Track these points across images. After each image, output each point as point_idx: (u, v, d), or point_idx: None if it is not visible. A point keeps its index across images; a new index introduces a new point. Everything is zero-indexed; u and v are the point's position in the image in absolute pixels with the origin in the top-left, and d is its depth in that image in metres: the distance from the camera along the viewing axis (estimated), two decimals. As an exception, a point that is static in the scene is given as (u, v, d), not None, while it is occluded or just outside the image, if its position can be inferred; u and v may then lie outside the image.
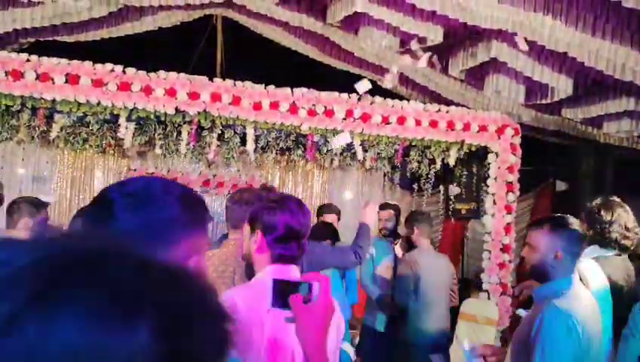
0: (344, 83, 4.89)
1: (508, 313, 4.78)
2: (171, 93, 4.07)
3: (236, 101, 4.21)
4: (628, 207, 2.69)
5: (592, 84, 5.12)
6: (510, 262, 4.95)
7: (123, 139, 4.38)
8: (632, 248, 2.64)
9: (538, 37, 4.23)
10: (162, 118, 4.24)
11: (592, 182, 6.64)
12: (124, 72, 4.04)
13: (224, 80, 4.39)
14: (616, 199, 2.75)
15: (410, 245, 4.34)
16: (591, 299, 2.05)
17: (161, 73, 4.12)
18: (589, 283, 2.44)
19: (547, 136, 7.06)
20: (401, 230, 4.65)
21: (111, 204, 0.89)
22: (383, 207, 4.66)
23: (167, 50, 6.54)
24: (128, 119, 4.21)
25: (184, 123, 4.33)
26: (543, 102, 5.44)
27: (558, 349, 1.81)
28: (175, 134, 4.50)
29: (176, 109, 4.12)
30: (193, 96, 4.11)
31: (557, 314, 1.86)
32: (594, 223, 2.63)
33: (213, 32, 6.73)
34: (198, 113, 4.19)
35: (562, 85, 4.91)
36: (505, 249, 4.90)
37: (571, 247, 2.00)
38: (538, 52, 4.76)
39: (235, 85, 4.29)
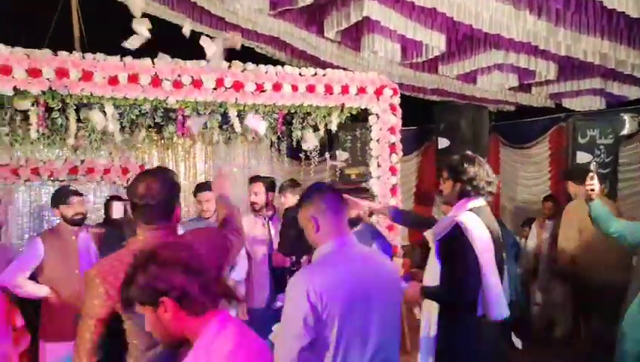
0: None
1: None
2: (6, 71, 3.50)
3: (87, 76, 3.72)
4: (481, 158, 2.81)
5: (464, 40, 5.17)
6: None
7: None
8: (494, 192, 2.76)
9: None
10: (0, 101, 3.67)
11: (472, 136, 6.84)
12: (-60, 48, 3.41)
13: (84, 56, 3.86)
14: (472, 153, 2.83)
15: None
16: (361, 267, 2.04)
17: (-9, 48, 3.53)
18: (474, 236, 2.50)
19: (428, 95, 7.17)
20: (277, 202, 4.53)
21: None
22: (253, 180, 4.47)
23: (16, 25, 5.78)
24: (-43, 105, 3.60)
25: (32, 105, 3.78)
26: (419, 60, 5.44)
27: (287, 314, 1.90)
28: (20, 119, 3.93)
29: (15, 89, 3.56)
30: (34, 72, 3.57)
31: (294, 280, 1.95)
32: (460, 177, 2.69)
33: (67, 2, 6.03)
34: (43, 93, 3.66)
35: (435, 42, 4.91)
36: (392, 210, 4.88)
37: (323, 211, 2.05)
38: (410, 9, 4.69)
39: (84, 58, 3.79)
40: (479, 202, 2.68)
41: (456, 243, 2.53)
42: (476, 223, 2.55)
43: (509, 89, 6.50)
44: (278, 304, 4.22)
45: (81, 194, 3.95)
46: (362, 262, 2.04)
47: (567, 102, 6.65)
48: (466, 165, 2.69)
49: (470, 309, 2.52)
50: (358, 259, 2.04)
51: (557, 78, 5.81)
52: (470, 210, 2.62)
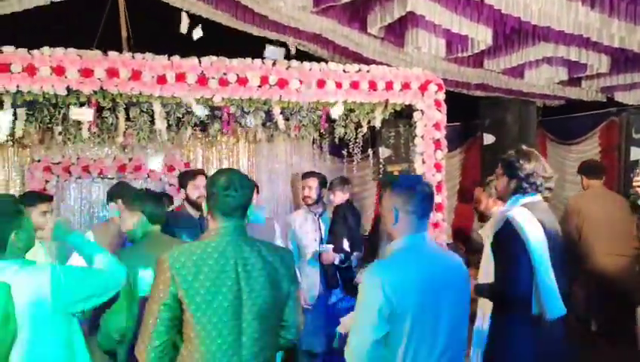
0: (259, 49, 4.56)
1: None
2: (59, 71, 3.61)
3: (136, 76, 3.80)
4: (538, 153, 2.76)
5: (511, 33, 5.04)
6: (444, 220, 4.88)
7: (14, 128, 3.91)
8: (553, 188, 2.70)
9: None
10: (54, 101, 3.79)
11: (518, 132, 6.67)
12: (0, 51, 3.54)
13: (133, 56, 3.95)
14: (528, 148, 2.78)
15: None
16: (436, 266, 2.04)
17: (46, 50, 3.64)
18: (525, 232, 2.43)
19: (472, 90, 7.03)
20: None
21: None
22: (307, 175, 4.49)
23: (66, 27, 5.97)
24: (14, 105, 3.73)
25: (81, 105, 3.89)
26: (464, 54, 5.33)
27: (362, 306, 1.94)
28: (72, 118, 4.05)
29: (68, 89, 3.67)
30: (85, 73, 3.67)
31: (371, 272, 1.97)
32: (515, 173, 2.64)
33: (114, 4, 6.18)
34: (94, 92, 3.76)
35: (482, 35, 4.79)
36: (437, 208, 4.81)
37: (406, 206, 2.04)
38: (455, 3, 4.60)
39: (133, 58, 3.87)
40: (534, 198, 2.62)
41: (506, 239, 2.46)
42: (528, 218, 2.47)
43: (558, 83, 6.30)
44: (333, 299, 4.23)
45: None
46: (434, 260, 2.05)
47: (619, 96, 6.39)
48: (522, 161, 2.63)
49: (523, 307, 2.44)
50: (431, 257, 2.06)
51: (609, 71, 5.59)
52: (524, 205, 2.56)
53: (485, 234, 2.68)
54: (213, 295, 1.87)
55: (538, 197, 2.64)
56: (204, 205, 2.07)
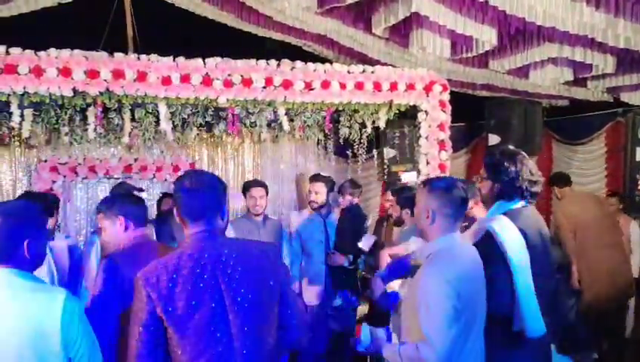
0: (263, 49, 4.59)
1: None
2: (66, 72, 3.65)
3: (142, 77, 3.83)
4: (525, 153, 2.54)
5: (516, 33, 5.03)
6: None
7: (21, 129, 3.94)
8: (539, 193, 2.49)
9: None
10: (60, 102, 3.82)
11: (523, 132, 6.65)
12: (7, 52, 3.58)
13: (139, 57, 3.98)
14: (515, 149, 2.57)
15: None
16: (471, 258, 2.14)
17: (52, 51, 3.68)
18: (505, 244, 2.26)
19: (478, 91, 7.02)
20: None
21: None
22: (314, 178, 4.48)
23: (72, 28, 6.01)
24: (21, 106, 3.77)
25: (87, 105, 3.93)
26: (469, 55, 5.33)
27: (435, 306, 1.96)
28: (78, 119, 4.09)
29: (74, 90, 3.70)
30: (92, 74, 3.70)
31: (431, 273, 2.02)
32: (499, 177, 2.45)
33: (120, 5, 6.21)
34: (100, 93, 3.79)
35: (486, 36, 4.79)
36: (441, 209, 4.81)
37: (443, 208, 2.11)
38: (460, 3, 4.60)
39: (139, 59, 3.90)
40: (518, 204, 2.42)
41: (485, 253, 2.24)
42: (509, 230, 2.28)
43: (564, 83, 6.28)
44: (338, 302, 4.24)
45: (140, 190, 4.03)
46: (472, 257, 2.17)
47: (625, 97, 6.36)
48: (506, 164, 2.42)
49: (504, 323, 2.25)
50: (469, 254, 2.17)
51: (615, 72, 5.57)
52: (506, 213, 2.37)
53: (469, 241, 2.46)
54: (193, 307, 1.74)
55: (523, 203, 2.44)
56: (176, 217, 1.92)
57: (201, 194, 1.83)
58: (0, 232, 1.84)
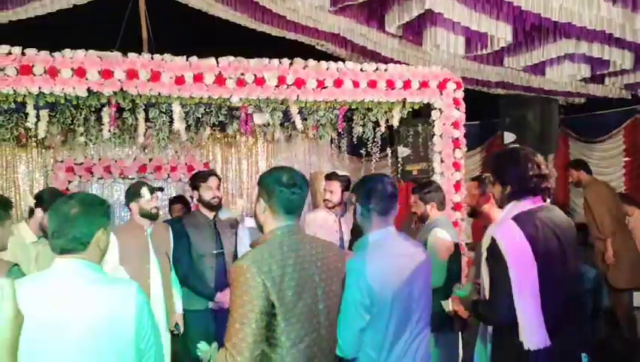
0: (277, 49, 4.59)
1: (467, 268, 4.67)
2: (80, 73, 3.67)
3: (155, 77, 3.85)
4: (530, 148, 2.40)
5: (532, 30, 4.97)
6: (463, 220, 4.83)
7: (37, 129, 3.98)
8: (552, 188, 2.32)
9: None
10: (74, 102, 3.85)
11: (539, 130, 6.57)
12: (23, 53, 3.61)
13: (152, 57, 3.99)
14: (513, 147, 2.46)
15: None
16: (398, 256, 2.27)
17: (67, 52, 3.70)
18: (509, 253, 2.15)
19: (492, 88, 6.96)
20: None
21: None
22: (329, 177, 4.44)
23: (88, 29, 6.07)
24: (37, 106, 3.80)
25: (102, 106, 3.96)
26: (484, 52, 5.28)
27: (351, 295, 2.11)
28: (93, 119, 4.12)
29: (89, 90, 3.73)
30: (105, 74, 3.72)
31: (350, 266, 2.15)
32: (505, 180, 2.33)
33: (135, 5, 6.26)
34: (114, 93, 3.81)
35: (501, 33, 4.74)
36: (456, 207, 4.77)
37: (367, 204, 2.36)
38: (474, 0, 4.56)
39: (152, 59, 3.91)
40: (528, 204, 2.27)
41: (491, 260, 2.20)
42: (513, 237, 2.17)
43: (581, 80, 6.20)
44: None
45: (160, 189, 3.98)
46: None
47: (644, 93, 6.28)
48: (508, 165, 2.32)
49: (512, 333, 2.15)
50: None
51: (633, 68, 5.48)
52: (517, 216, 2.23)
53: (484, 246, 2.33)
54: (298, 295, 1.87)
55: (536, 203, 2.28)
56: (259, 207, 2.00)
57: (300, 190, 1.98)
58: (78, 221, 1.82)
